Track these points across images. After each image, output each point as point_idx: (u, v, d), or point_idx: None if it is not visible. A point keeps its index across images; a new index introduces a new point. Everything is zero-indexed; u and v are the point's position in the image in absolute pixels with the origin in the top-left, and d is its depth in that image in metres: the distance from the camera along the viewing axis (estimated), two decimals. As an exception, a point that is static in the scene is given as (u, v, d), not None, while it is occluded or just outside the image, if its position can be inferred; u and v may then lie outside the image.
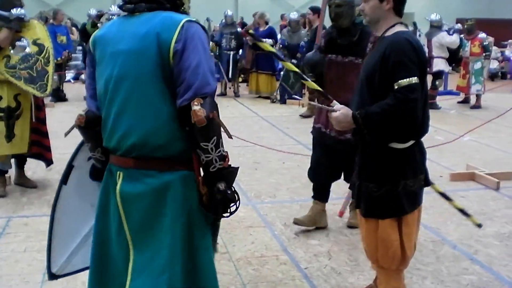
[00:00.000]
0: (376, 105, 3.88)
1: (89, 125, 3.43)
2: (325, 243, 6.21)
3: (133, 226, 3.30)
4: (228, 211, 3.33)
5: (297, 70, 4.95)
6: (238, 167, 3.40)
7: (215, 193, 3.22)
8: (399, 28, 4.04)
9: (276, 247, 6.09)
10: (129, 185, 3.27)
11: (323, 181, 6.58)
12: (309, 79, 4.98)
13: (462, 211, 5.76)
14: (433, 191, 5.54)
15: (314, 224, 6.61)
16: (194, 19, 3.23)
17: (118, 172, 3.32)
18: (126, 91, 3.20)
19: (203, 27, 3.27)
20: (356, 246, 6.01)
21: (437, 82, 15.88)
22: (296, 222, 6.59)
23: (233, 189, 3.31)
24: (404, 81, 3.76)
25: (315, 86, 4.84)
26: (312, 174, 6.67)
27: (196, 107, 3.02)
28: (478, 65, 16.10)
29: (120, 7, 3.40)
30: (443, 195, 5.71)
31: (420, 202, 4.23)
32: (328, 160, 6.39)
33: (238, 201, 3.35)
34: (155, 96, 3.17)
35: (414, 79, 3.77)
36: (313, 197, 6.74)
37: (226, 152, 3.27)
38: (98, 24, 12.16)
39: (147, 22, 3.21)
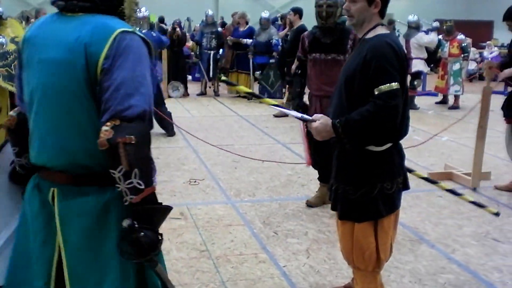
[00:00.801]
0: (356, 112, 3.85)
1: (19, 128, 3.08)
2: (304, 241, 6.23)
3: (71, 249, 2.86)
4: (145, 256, 2.72)
5: (274, 103, 4.99)
6: (168, 207, 2.89)
7: (121, 231, 2.75)
8: (380, 30, 4.03)
9: (255, 245, 6.11)
10: (66, 203, 2.86)
11: (323, 164, 6.73)
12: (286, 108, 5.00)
13: (475, 203, 5.87)
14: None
15: (323, 203, 7.16)
16: (130, 29, 2.84)
17: (51, 189, 2.90)
18: (52, 106, 2.82)
19: (142, 38, 2.88)
20: (334, 244, 6.02)
21: (415, 83, 15.93)
22: (309, 204, 7.24)
23: (153, 232, 2.74)
24: (385, 87, 3.74)
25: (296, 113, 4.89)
26: (312, 159, 6.75)
27: (105, 127, 2.63)
28: (456, 66, 16.19)
29: (52, 2, 2.99)
30: (451, 191, 5.76)
31: (398, 206, 4.21)
32: (324, 145, 6.44)
33: (158, 245, 2.77)
34: (82, 114, 2.78)
35: (395, 85, 3.74)
36: (318, 179, 7.27)
37: (146, 185, 2.71)
38: None
39: (77, 28, 2.81)
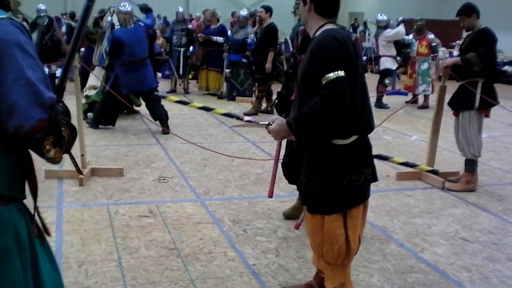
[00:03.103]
0: (306, 106, 3.95)
1: None
2: (273, 240, 6.22)
3: None
4: None
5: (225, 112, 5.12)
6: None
7: None
8: (327, 27, 4.12)
9: (224, 243, 6.09)
10: None
11: (295, 178, 6.63)
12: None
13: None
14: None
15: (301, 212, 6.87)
16: (5, 15, 2.61)
17: None
18: None
19: (20, 25, 2.63)
20: (304, 243, 6.03)
21: (386, 81, 16.03)
22: (287, 216, 6.87)
23: None
24: (330, 75, 3.80)
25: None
26: (284, 171, 6.73)
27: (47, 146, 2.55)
28: (425, 66, 16.24)
29: None
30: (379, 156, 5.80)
31: (367, 197, 4.31)
32: (296, 158, 6.45)
33: None
34: None
35: (340, 73, 3.80)
36: (298, 189, 6.85)
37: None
38: (102, 24, 11.93)
39: None
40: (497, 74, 8.24)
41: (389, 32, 15.90)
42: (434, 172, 5.92)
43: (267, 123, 4.31)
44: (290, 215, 6.85)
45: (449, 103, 8.43)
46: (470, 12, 8.15)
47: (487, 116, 8.35)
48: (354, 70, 3.97)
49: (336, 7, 4.25)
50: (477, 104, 8.05)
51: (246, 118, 5.16)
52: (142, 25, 11.55)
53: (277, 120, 4.22)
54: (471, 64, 7.93)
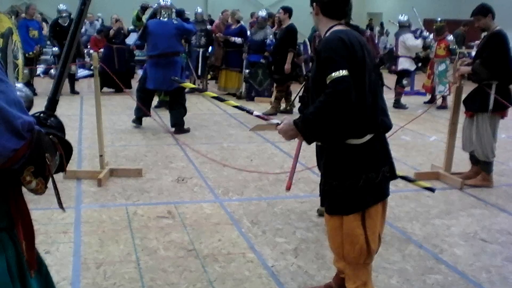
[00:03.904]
0: (311, 105, 4.03)
1: None
2: (292, 241, 6.21)
3: None
4: None
5: (237, 105, 5.23)
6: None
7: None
8: (336, 28, 4.18)
9: (243, 244, 6.08)
10: None
11: None
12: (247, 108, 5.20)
13: (428, 188, 6.11)
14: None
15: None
16: None
17: None
18: None
19: None
20: (322, 244, 6.02)
21: (404, 82, 15.97)
22: (321, 213, 6.78)
23: None
24: (333, 75, 3.85)
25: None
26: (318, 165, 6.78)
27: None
28: (442, 67, 16.14)
29: None
30: (404, 177, 5.90)
31: (386, 195, 4.32)
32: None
33: None
34: None
35: (343, 72, 3.83)
36: None
37: None
38: (143, 19, 12.06)
39: None
40: (509, 75, 8.16)
41: (408, 40, 15.80)
42: (430, 189, 6.10)
43: (276, 122, 4.35)
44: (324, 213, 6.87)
45: (464, 102, 8.45)
46: (485, 12, 8.20)
47: (503, 117, 8.37)
48: (361, 70, 4.00)
49: (344, 8, 4.29)
50: (491, 106, 8.07)
51: (256, 112, 5.18)
52: (176, 22, 11.58)
53: (285, 120, 4.26)
54: (477, 73, 8.08)
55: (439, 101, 16.33)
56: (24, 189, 2.41)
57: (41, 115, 2.62)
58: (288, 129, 4.17)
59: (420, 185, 6.29)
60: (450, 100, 16.02)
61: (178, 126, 11.48)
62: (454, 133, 8.68)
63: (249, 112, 5.28)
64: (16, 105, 2.23)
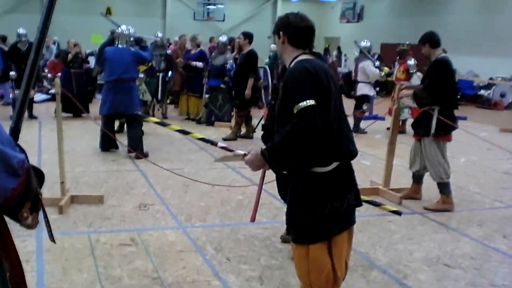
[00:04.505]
0: (278, 135, 4.05)
1: None
2: (257, 267, 6.20)
3: None
4: None
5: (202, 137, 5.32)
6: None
7: None
8: (301, 57, 4.23)
9: (207, 271, 6.05)
10: None
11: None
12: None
13: (395, 212, 6.44)
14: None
15: None
16: None
17: None
18: None
19: None
20: (287, 270, 6.02)
21: (364, 107, 16.09)
22: (284, 240, 6.82)
23: None
24: (300, 105, 3.86)
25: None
26: (279, 192, 6.74)
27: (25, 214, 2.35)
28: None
29: None
30: (370, 202, 6.00)
31: (351, 223, 4.33)
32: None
33: None
34: None
35: (310, 102, 3.86)
36: None
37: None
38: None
39: None
40: (452, 101, 8.60)
41: (369, 67, 15.97)
42: (397, 213, 6.36)
43: (243, 153, 4.35)
44: (287, 240, 6.81)
45: (412, 126, 9.04)
46: (425, 41, 8.62)
47: (448, 140, 8.73)
48: (327, 98, 4.02)
49: (310, 38, 4.35)
50: (432, 130, 8.42)
51: (220, 144, 5.20)
52: (133, 50, 11.69)
53: (252, 150, 4.22)
54: (418, 97, 8.50)
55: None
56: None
57: None
58: (255, 160, 4.14)
59: (386, 208, 6.38)
60: (409, 124, 16.30)
61: (136, 148, 11.42)
62: (393, 151, 9.33)
63: (214, 144, 5.31)
64: (9, 143, 2.30)
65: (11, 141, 2.35)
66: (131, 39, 11.90)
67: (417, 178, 9.09)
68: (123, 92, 11.48)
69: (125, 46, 11.69)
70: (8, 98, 18.14)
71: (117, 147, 12.04)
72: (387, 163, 9.30)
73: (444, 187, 8.64)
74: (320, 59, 4.35)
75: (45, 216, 2.58)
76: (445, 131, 8.49)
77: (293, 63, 4.21)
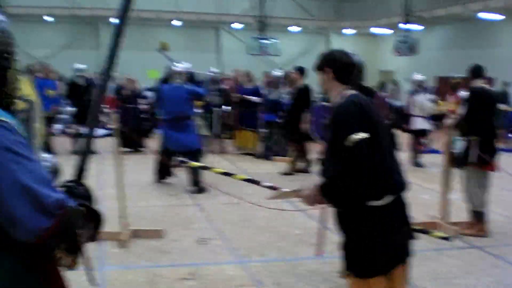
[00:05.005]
0: (331, 169, 4.12)
1: None
2: (317, 302, 6.23)
3: None
4: None
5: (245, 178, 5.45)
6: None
7: None
8: (347, 92, 4.30)
9: (267, 306, 6.10)
10: None
11: None
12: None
13: (443, 238, 6.44)
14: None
15: None
16: None
17: None
18: None
19: (6, 123, 2.34)
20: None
21: (424, 141, 16.04)
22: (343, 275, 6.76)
23: None
24: (351, 138, 3.93)
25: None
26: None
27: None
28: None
29: None
30: (418, 230, 6.04)
31: (408, 254, 4.34)
32: None
33: None
34: None
35: (361, 134, 3.94)
36: None
37: None
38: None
39: None
40: (489, 131, 8.74)
41: (426, 103, 16.01)
42: (445, 238, 6.43)
43: (294, 190, 4.41)
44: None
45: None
46: (468, 72, 8.95)
47: (491, 170, 8.78)
48: (376, 131, 4.08)
49: (355, 73, 4.45)
50: (472, 159, 8.55)
51: (264, 183, 5.30)
52: (188, 87, 11.89)
53: (307, 186, 4.29)
54: (458, 127, 8.75)
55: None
56: None
57: (70, 183, 2.66)
58: (311, 195, 4.23)
59: (435, 235, 6.41)
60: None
61: (196, 185, 11.57)
62: (447, 184, 9.20)
63: (257, 183, 5.38)
64: (45, 183, 2.30)
65: (49, 180, 2.36)
66: (186, 75, 12.10)
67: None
68: (181, 129, 11.74)
69: (180, 83, 11.89)
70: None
71: (170, 175, 12.36)
72: (443, 196, 9.26)
73: (478, 216, 8.77)
74: (369, 92, 4.44)
75: (87, 261, 2.53)
76: (484, 161, 8.57)
77: (340, 98, 4.29)
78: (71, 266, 2.44)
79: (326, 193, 4.12)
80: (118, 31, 2.97)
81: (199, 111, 14.62)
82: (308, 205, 4.36)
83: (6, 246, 2.33)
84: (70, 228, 2.33)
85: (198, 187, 11.57)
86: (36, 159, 2.37)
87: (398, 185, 4.23)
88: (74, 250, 2.40)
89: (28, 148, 2.34)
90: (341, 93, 4.31)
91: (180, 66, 12.12)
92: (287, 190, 4.57)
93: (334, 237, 8.02)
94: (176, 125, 11.74)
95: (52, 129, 17.51)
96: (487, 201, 8.77)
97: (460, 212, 9.60)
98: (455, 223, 9.07)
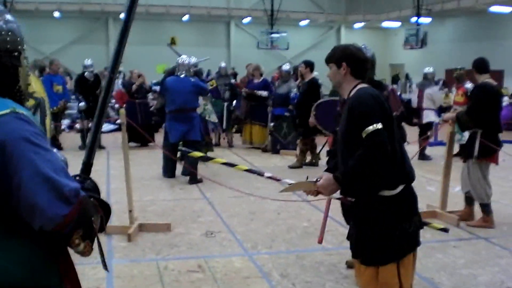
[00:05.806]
0: (351, 159, 4.16)
1: None
2: (322, 293, 6.27)
3: None
4: None
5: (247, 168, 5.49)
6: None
7: None
8: (361, 86, 4.41)
9: (274, 298, 6.14)
10: None
11: None
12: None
13: (442, 229, 6.72)
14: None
15: None
16: (8, 110, 2.42)
17: None
18: None
19: (23, 115, 2.44)
20: (353, 296, 6.07)
21: (428, 133, 16.01)
22: (349, 265, 6.82)
23: None
24: (369, 128, 4.04)
25: None
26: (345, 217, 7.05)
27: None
28: (459, 114, 16.22)
29: None
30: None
31: (418, 244, 4.44)
32: None
33: None
34: None
35: (378, 125, 4.05)
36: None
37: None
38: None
39: None
40: (494, 124, 8.79)
41: (437, 94, 16.07)
42: (444, 230, 6.60)
43: (314, 180, 4.45)
44: (353, 266, 6.89)
45: (460, 149, 9.38)
46: (472, 66, 9.00)
47: (493, 163, 8.91)
48: (391, 123, 4.20)
49: (368, 68, 4.62)
50: (475, 153, 8.65)
51: (267, 174, 5.32)
52: (193, 80, 11.93)
53: (324, 175, 4.39)
54: (460, 121, 8.74)
55: (456, 150, 16.28)
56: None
57: (78, 178, 2.74)
58: (328, 184, 4.31)
59: (434, 227, 6.51)
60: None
61: (191, 175, 11.89)
62: (448, 175, 9.42)
63: (260, 174, 5.43)
64: (63, 172, 2.43)
65: (65, 170, 2.47)
66: (191, 69, 12.15)
67: (469, 200, 9.19)
68: (185, 121, 11.89)
69: (185, 75, 11.98)
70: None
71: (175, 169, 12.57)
72: (443, 186, 9.43)
73: (485, 208, 8.85)
74: (380, 85, 4.51)
75: (99, 245, 2.64)
76: (487, 154, 8.68)
77: (354, 91, 4.37)
78: (86, 253, 2.50)
79: (345, 183, 4.22)
80: (125, 27, 3.03)
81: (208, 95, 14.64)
82: (325, 195, 4.44)
83: (24, 235, 2.44)
84: (86, 215, 2.43)
85: (192, 177, 11.72)
86: (52, 150, 2.49)
87: (410, 175, 4.34)
88: (89, 237, 2.47)
89: (45, 139, 2.46)
90: (354, 88, 4.40)
91: (185, 58, 12.24)
92: (303, 181, 4.61)
93: (341, 229, 8.13)
94: (180, 117, 11.90)
95: (61, 124, 17.60)
96: (492, 193, 8.85)
97: (461, 201, 9.62)
98: (454, 212, 9.31)
